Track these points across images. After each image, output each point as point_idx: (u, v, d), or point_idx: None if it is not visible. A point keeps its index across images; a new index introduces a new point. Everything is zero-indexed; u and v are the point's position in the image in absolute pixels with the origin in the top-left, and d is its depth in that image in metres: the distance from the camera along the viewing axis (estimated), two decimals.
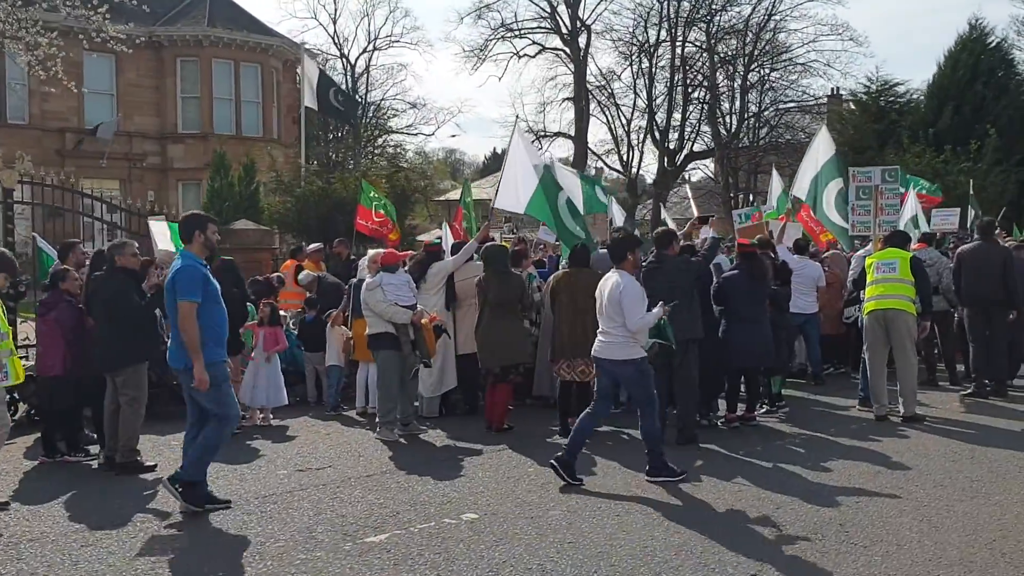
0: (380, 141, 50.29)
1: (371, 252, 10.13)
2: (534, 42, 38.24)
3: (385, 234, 14.73)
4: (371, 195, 14.61)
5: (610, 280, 7.55)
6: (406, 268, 9.80)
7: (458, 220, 13.41)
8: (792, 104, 38.98)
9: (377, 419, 9.44)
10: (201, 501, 6.64)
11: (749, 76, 38.83)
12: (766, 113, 40.47)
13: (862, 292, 10.10)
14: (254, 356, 10.44)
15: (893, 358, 9.83)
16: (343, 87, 34.05)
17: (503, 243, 12.20)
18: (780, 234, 12.87)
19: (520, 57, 38.23)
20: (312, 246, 14.33)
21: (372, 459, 8.38)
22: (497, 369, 9.45)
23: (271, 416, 10.49)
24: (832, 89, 41.27)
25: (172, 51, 32.73)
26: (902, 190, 16.90)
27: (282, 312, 12.60)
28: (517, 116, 14.62)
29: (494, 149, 41.56)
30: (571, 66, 38.12)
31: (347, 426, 10.05)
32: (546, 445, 8.79)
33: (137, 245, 8.52)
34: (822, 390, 11.87)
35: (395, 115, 51.01)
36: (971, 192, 18.49)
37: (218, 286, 6.96)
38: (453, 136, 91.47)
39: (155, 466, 7.98)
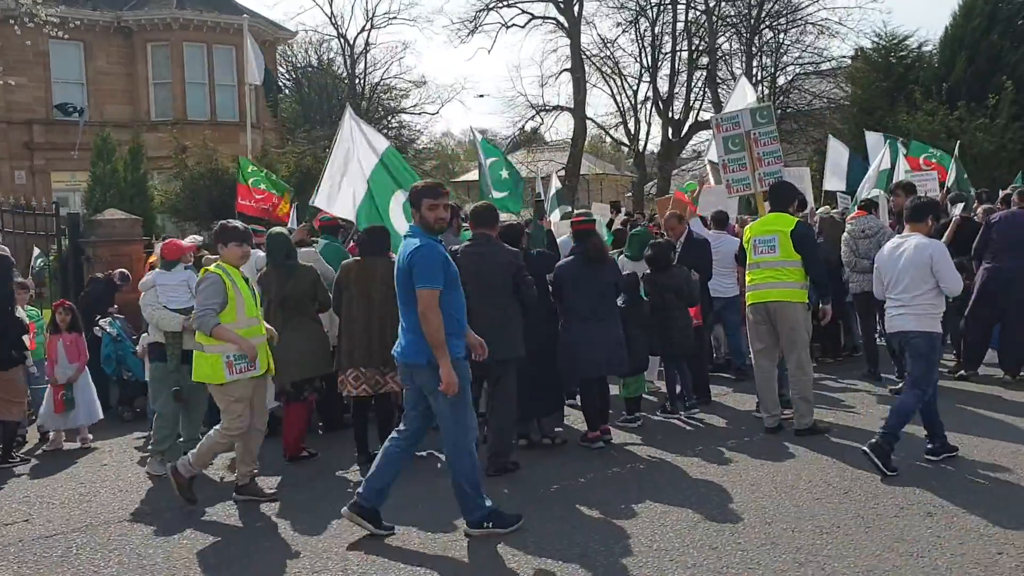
0: (393, 122, 48.65)
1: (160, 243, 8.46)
2: (523, 11, 36.08)
3: (272, 212, 13.01)
4: (249, 170, 12.89)
5: (908, 244, 6.74)
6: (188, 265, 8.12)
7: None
8: (800, 67, 36.47)
9: (149, 446, 7.80)
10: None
11: (756, 39, 36.29)
12: (779, 80, 38.00)
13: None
14: (55, 372, 8.92)
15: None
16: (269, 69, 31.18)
17: None
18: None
19: (508, 27, 36.09)
20: (189, 239, 12.67)
21: (103, 505, 6.74)
22: (288, 386, 7.73)
23: (89, 436, 9.04)
24: (856, 50, 38.68)
25: (142, 36, 31.39)
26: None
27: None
28: (348, 102, 11.59)
29: (523, 127, 39.53)
30: (568, 35, 35.92)
31: None
32: (333, 482, 7.08)
33: None
34: (743, 385, 10.01)
35: (404, 96, 49.38)
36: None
37: (456, 268, 5.77)
38: (481, 96, 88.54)
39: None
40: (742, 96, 11.45)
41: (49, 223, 13.38)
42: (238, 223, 6.87)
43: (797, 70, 37.37)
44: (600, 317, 7.54)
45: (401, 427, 5.85)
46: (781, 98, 37.92)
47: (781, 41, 37.34)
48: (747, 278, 7.91)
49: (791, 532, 5.43)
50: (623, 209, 15.00)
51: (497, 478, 6.80)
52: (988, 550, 5.03)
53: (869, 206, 10.43)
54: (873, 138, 17.06)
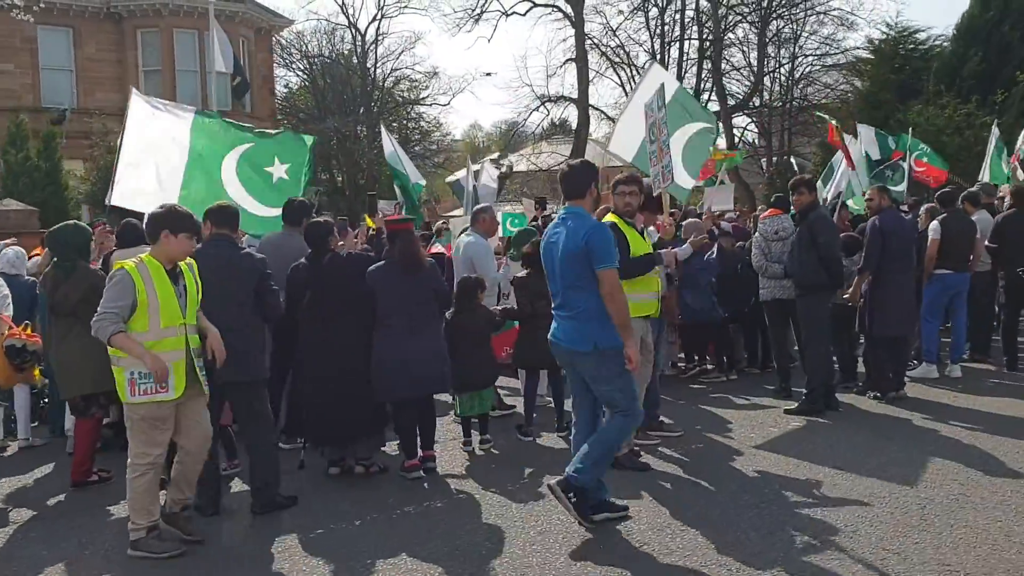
0: (412, 113, 47.71)
1: None
2: None
3: None
4: None
5: None
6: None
7: None
8: (812, 59, 35.14)
9: None
10: (588, 513, 5.47)
11: (771, 27, 34.99)
12: (796, 72, 36.66)
13: None
14: None
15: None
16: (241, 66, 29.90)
17: None
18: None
19: (508, 16, 35.00)
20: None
21: None
22: (78, 401, 6.84)
23: None
24: (868, 42, 37.38)
25: (132, 22, 30.88)
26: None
27: None
28: (133, 87, 9.78)
29: (551, 120, 38.83)
30: (573, 24, 34.84)
31: None
32: (72, 513, 6.22)
33: None
34: (672, 392, 9.15)
35: (424, 87, 48.24)
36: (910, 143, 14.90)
37: None
38: (488, 75, 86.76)
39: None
40: (653, 83, 9.98)
41: None
42: (187, 210, 5.59)
43: (812, 61, 36.00)
44: (416, 330, 6.58)
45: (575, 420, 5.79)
46: (796, 90, 36.69)
47: (796, 32, 36.03)
48: None
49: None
50: (549, 206, 13.99)
51: (248, 516, 5.91)
52: None
53: (783, 204, 9.32)
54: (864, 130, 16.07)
